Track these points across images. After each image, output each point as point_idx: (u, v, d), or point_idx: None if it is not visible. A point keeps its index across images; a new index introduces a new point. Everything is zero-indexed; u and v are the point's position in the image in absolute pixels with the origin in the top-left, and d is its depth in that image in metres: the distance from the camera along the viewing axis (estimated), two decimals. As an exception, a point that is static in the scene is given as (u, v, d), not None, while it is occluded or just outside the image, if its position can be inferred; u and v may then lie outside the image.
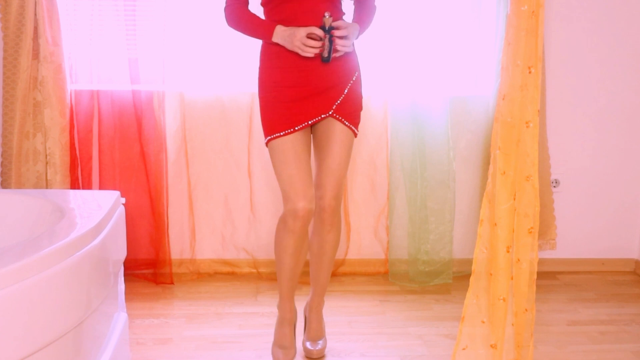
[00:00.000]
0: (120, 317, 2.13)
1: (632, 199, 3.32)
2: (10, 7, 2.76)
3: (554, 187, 3.25)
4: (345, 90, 2.22)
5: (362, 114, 3.08)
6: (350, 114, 2.23)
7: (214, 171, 3.12)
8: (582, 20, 3.14)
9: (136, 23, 2.92)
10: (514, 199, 1.96)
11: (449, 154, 3.07)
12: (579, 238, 3.32)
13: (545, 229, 3.18)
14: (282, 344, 2.34)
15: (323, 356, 2.39)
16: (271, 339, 2.48)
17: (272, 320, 2.66)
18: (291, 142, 2.17)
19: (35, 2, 2.76)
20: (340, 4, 2.23)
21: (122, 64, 2.94)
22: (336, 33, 2.10)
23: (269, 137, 2.19)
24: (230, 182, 3.13)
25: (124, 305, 2.22)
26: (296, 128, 2.18)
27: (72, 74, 2.95)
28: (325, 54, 2.11)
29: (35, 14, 2.77)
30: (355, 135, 2.27)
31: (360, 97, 2.29)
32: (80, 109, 2.96)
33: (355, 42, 2.26)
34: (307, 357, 2.39)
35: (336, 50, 2.13)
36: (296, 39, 2.08)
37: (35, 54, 2.82)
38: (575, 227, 3.30)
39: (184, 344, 2.46)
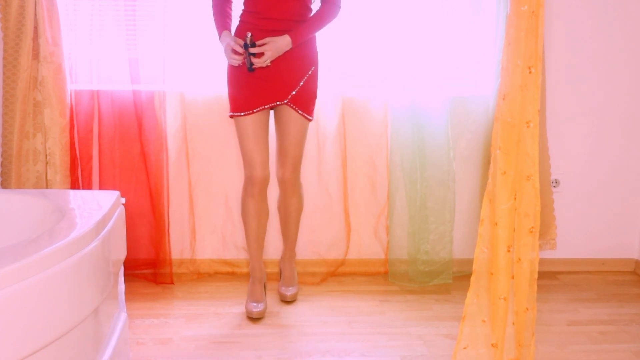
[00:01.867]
0: (120, 317, 2.13)
1: (631, 199, 3.32)
2: (10, 7, 2.75)
3: (554, 187, 3.25)
4: (301, 83, 2.58)
5: (363, 114, 3.11)
6: (304, 103, 2.61)
7: (214, 171, 3.12)
8: (582, 20, 3.14)
9: (136, 23, 2.92)
10: (515, 199, 1.96)
11: (449, 154, 3.07)
12: (579, 238, 3.32)
13: (545, 228, 3.18)
14: (255, 299, 2.74)
15: (295, 300, 2.87)
16: (271, 338, 2.51)
17: (272, 320, 2.68)
18: (251, 122, 2.58)
19: (35, 2, 2.76)
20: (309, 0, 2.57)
21: (123, 64, 2.94)
22: (252, 50, 2.47)
23: (231, 114, 2.60)
24: (231, 181, 3.13)
25: (124, 305, 2.22)
26: (254, 111, 2.57)
27: (72, 74, 2.95)
28: (247, 65, 2.49)
29: (35, 14, 2.77)
30: (310, 120, 2.65)
31: (315, 89, 2.65)
32: (80, 109, 2.96)
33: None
34: (281, 300, 2.87)
35: (252, 64, 2.49)
36: (225, 49, 2.51)
37: (35, 54, 2.82)
38: (575, 227, 3.30)
39: (184, 344, 2.46)
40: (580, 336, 2.58)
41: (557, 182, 3.26)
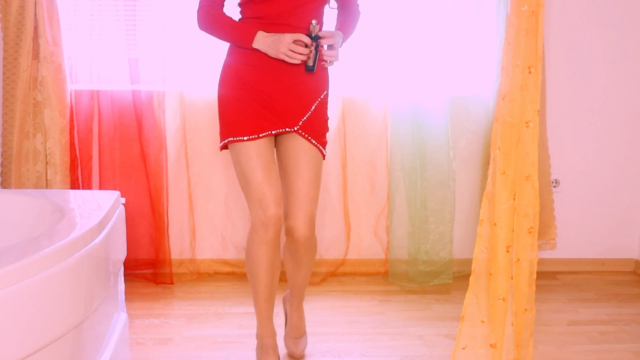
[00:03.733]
0: (120, 317, 2.14)
1: (632, 199, 3.31)
2: (10, 7, 2.76)
3: (554, 187, 3.25)
4: (312, 107, 2.11)
5: (363, 114, 3.11)
6: (317, 132, 2.11)
7: (214, 171, 3.12)
8: (582, 20, 3.14)
9: (136, 23, 2.92)
10: (514, 199, 1.96)
11: (449, 154, 3.07)
12: (579, 238, 3.32)
13: (545, 229, 3.18)
14: None
15: (304, 355, 2.33)
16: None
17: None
18: (255, 148, 2.05)
19: (35, 2, 2.76)
20: (323, 6, 2.12)
21: (122, 64, 2.94)
22: (323, 42, 2.02)
23: (230, 140, 2.06)
24: (230, 182, 3.13)
25: (124, 305, 2.22)
26: (260, 135, 2.05)
27: (72, 74, 2.95)
28: (311, 63, 2.02)
29: (35, 14, 2.77)
30: (324, 156, 2.14)
31: (326, 118, 2.18)
32: (80, 109, 2.97)
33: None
34: (289, 356, 2.33)
35: (322, 60, 2.06)
36: (282, 45, 1.98)
37: (35, 54, 2.82)
38: (575, 227, 3.30)
39: (184, 344, 2.46)
40: (580, 336, 2.58)
41: (557, 182, 3.26)
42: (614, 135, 3.25)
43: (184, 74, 3.01)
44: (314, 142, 2.10)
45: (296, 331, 2.32)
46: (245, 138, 2.04)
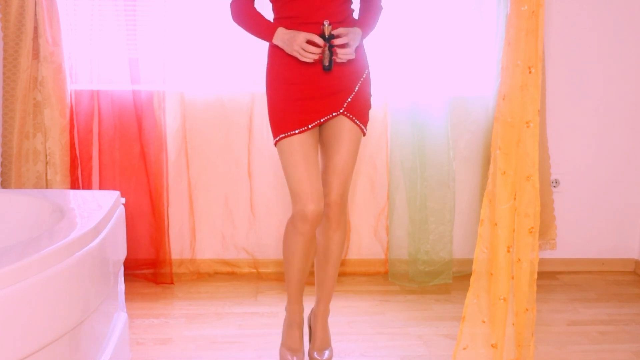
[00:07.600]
0: (120, 317, 2.14)
1: (632, 199, 3.31)
2: (10, 7, 2.75)
3: (554, 187, 3.25)
4: (356, 88, 2.19)
5: (363, 114, 3.07)
6: (360, 111, 2.20)
7: (214, 171, 3.12)
8: (582, 20, 3.14)
9: (136, 23, 2.92)
10: (515, 199, 1.96)
11: (449, 154, 3.07)
12: (579, 238, 3.32)
13: (545, 229, 3.18)
14: (291, 346, 2.32)
15: None
16: (271, 339, 2.50)
17: (272, 320, 2.66)
18: (300, 144, 2.14)
19: (35, 2, 2.76)
20: (348, 3, 2.19)
21: (123, 64, 2.94)
22: (336, 42, 2.06)
23: (280, 137, 2.15)
24: (231, 182, 3.13)
25: (124, 305, 2.22)
26: (309, 126, 2.15)
27: (72, 74, 2.95)
28: (326, 63, 2.08)
29: (35, 14, 2.77)
30: (364, 134, 2.24)
31: (369, 96, 2.26)
32: (80, 109, 2.96)
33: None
34: None
35: (336, 58, 2.09)
36: (295, 43, 2.06)
37: (35, 54, 2.82)
38: (575, 227, 3.30)
39: (184, 344, 2.46)
40: (580, 336, 2.58)
41: (557, 182, 3.25)
42: (614, 135, 3.25)
43: (184, 73, 3.01)
44: (357, 122, 2.19)
45: (322, 343, 2.37)
46: (296, 131, 2.13)
